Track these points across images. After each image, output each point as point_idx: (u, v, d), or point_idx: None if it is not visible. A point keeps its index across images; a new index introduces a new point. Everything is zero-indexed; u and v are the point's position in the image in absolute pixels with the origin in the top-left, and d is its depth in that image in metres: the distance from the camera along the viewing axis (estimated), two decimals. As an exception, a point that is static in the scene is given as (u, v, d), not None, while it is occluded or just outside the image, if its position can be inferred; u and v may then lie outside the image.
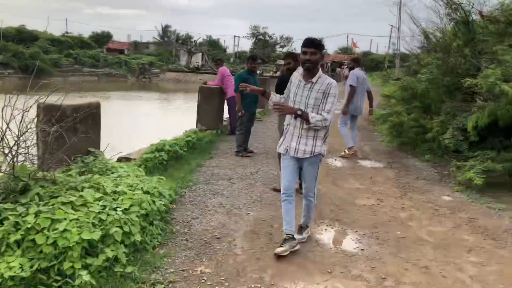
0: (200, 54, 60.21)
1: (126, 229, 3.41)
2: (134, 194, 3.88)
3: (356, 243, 3.85)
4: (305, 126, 3.41)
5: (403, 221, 4.42)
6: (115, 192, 3.88)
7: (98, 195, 3.68)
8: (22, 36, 51.34)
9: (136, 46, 67.91)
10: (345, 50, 74.00)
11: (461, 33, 7.76)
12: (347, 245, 3.80)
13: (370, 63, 68.78)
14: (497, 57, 6.70)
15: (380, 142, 9.15)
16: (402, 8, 37.59)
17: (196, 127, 9.09)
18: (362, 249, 3.70)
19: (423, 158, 7.37)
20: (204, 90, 8.99)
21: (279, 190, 6.26)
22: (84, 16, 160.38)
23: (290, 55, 5.46)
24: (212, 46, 69.61)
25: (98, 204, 3.53)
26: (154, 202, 4.06)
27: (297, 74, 3.60)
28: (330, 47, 79.84)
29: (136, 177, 4.56)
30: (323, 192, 5.39)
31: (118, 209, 3.54)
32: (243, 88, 3.76)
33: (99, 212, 3.40)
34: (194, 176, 5.96)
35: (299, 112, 3.34)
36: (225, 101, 9.32)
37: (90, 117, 4.92)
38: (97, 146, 5.17)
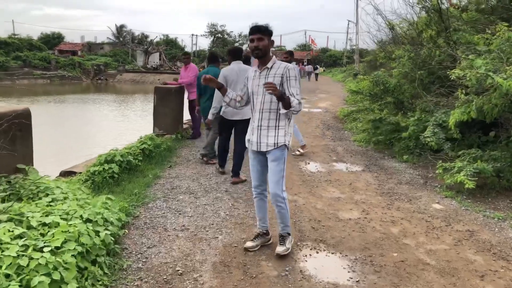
0: (158, 53, 58.56)
1: (56, 276, 2.57)
2: (70, 225, 3.04)
3: (348, 271, 3.18)
4: (282, 110, 3.10)
5: (397, 239, 3.80)
6: (43, 224, 3.02)
7: (18, 230, 2.81)
8: (-38, 38, 48.20)
9: (90, 47, 65.22)
10: (303, 47, 74.39)
11: (434, 22, 7.33)
12: (338, 275, 3.12)
13: (328, 59, 69.71)
14: (477, 47, 6.29)
15: (352, 141, 8.61)
16: (359, 3, 37.95)
17: (153, 132, 8.22)
18: (357, 281, 3.04)
19: (401, 159, 6.87)
20: (160, 90, 8.11)
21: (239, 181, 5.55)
22: (31, 17, 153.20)
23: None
24: (170, 45, 67.94)
25: (17, 244, 2.67)
26: (97, 233, 3.22)
27: (252, 69, 3.45)
28: (289, 45, 79.99)
29: (76, 200, 3.70)
30: (301, 204, 4.72)
31: (46, 248, 2.70)
32: (203, 80, 3.30)
33: (17, 256, 2.56)
34: (151, 190, 5.13)
35: (284, 96, 3.02)
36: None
37: (17, 127, 4.00)
38: (29, 162, 4.25)
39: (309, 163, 6.71)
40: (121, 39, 65.48)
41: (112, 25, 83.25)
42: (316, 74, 43.04)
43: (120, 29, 67.43)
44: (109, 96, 32.76)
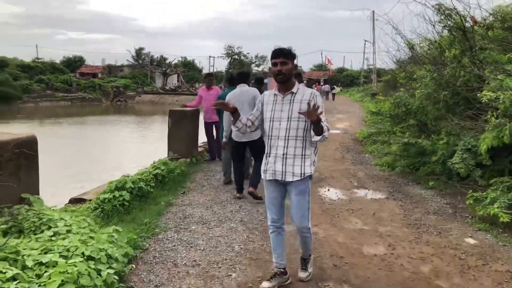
0: (176, 75, 59.32)
1: (50, 326, 2.31)
2: (69, 264, 2.79)
3: (376, 319, 2.83)
4: (315, 137, 2.94)
5: (428, 280, 3.43)
6: (40, 263, 2.78)
7: (11, 271, 2.57)
8: (-10, 63, 49.78)
9: (110, 69, 66.65)
10: (320, 67, 74.41)
11: (457, 41, 7.01)
12: (365, 324, 2.78)
13: (345, 79, 69.50)
14: (505, 67, 5.95)
15: (374, 165, 8.24)
16: (375, 23, 37.83)
17: (168, 156, 8.02)
18: (387, 331, 2.69)
19: (427, 185, 6.47)
20: (175, 113, 7.94)
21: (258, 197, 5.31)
22: (56, 42, 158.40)
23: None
24: (188, 67, 68.86)
25: (10, 287, 2.43)
26: (99, 271, 2.97)
27: (268, 93, 3.25)
28: (305, 65, 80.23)
29: (78, 233, 3.45)
30: (321, 237, 4.39)
31: (41, 293, 2.45)
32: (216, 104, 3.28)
33: (8, 303, 2.31)
34: (162, 220, 4.87)
35: (321, 121, 2.85)
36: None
37: (23, 156, 3.83)
38: (34, 191, 4.05)
39: (329, 190, 6.37)
40: (140, 61, 66.77)
41: (132, 48, 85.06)
42: (333, 94, 42.72)
43: (139, 51, 68.80)
44: (127, 118, 33.10)
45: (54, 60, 60.61)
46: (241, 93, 5.56)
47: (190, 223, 4.76)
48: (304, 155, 3.05)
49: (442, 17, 7.07)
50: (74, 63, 67.96)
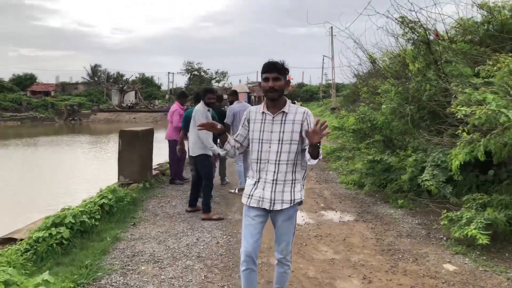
0: (133, 92, 57.82)
1: None
2: None
3: None
4: (311, 161, 2.64)
5: (413, 320, 3.01)
6: None
7: None
8: None
9: (64, 87, 64.21)
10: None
11: (422, 54, 6.84)
12: None
13: (304, 94, 70.50)
14: (470, 80, 5.78)
15: (339, 183, 7.91)
16: (334, 38, 38.54)
17: (118, 180, 7.33)
18: None
19: (396, 204, 6.18)
20: (125, 134, 7.29)
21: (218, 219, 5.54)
22: (8, 59, 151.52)
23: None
24: (146, 84, 67.45)
25: None
26: None
27: (255, 110, 2.88)
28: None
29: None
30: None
31: None
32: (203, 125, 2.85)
33: None
34: (107, 259, 4.23)
35: (319, 145, 2.58)
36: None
37: None
38: None
39: (294, 213, 5.93)
40: (95, 78, 64.83)
41: (87, 64, 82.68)
42: (294, 109, 42.92)
43: (94, 68, 66.95)
44: (81, 137, 31.55)
45: (2, 78, 57.63)
46: (197, 110, 5.68)
47: (139, 263, 4.14)
48: (295, 180, 2.79)
49: (406, 30, 6.90)
50: (24, 81, 65.01)
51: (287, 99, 2.82)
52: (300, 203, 2.84)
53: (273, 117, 2.76)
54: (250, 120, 2.87)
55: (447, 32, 7.30)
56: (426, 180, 5.50)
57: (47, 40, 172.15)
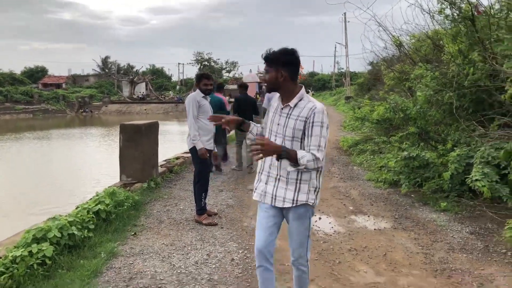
0: (144, 83, 57.29)
1: None
2: None
3: None
4: (289, 168, 2.46)
5: None
6: None
7: None
8: None
9: (75, 79, 64.06)
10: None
11: (464, 33, 5.91)
12: None
13: (317, 83, 69.18)
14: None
15: (366, 181, 7.04)
16: (348, 25, 37.30)
17: (120, 180, 6.59)
18: None
19: (438, 207, 5.31)
20: (126, 128, 6.51)
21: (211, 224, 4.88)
22: (20, 52, 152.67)
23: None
24: (156, 75, 66.89)
25: None
26: None
27: (278, 96, 2.68)
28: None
29: None
30: (323, 303, 3.10)
31: None
32: (213, 120, 2.81)
33: None
34: (98, 283, 3.47)
35: (283, 154, 2.36)
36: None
37: None
38: None
39: (320, 218, 5.11)
40: (106, 70, 64.46)
41: (97, 57, 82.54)
42: (308, 98, 41.61)
43: (105, 60, 66.54)
44: (93, 130, 31.10)
45: (14, 71, 57.57)
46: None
47: (137, 288, 3.38)
48: (300, 179, 2.51)
49: (443, 5, 5.95)
50: (36, 74, 64.99)
51: (301, 89, 2.53)
52: (308, 205, 2.53)
53: (282, 109, 2.57)
54: (271, 107, 2.70)
55: (491, 7, 6.33)
56: (476, 180, 4.62)
57: (59, 33, 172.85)
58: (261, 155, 2.27)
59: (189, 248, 4.21)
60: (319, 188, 2.57)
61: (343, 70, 60.55)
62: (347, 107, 26.73)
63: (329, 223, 4.94)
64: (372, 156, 8.42)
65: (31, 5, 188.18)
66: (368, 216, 5.16)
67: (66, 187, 10.64)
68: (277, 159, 2.40)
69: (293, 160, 2.36)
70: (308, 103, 2.49)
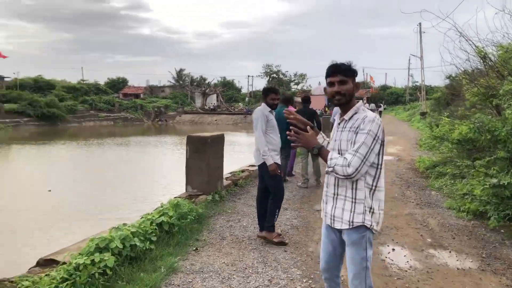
0: (215, 95, 59.01)
1: None
2: None
3: None
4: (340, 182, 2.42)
5: None
6: None
7: None
8: (39, 85, 52.23)
9: (152, 90, 67.64)
10: (362, 85, 71.98)
11: None
12: None
13: (389, 97, 66.62)
14: None
15: (447, 209, 6.38)
16: (422, 36, 35.45)
17: (186, 191, 6.58)
18: None
19: (534, 245, 4.61)
20: (193, 140, 6.50)
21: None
22: (104, 65, 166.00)
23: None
24: (227, 87, 68.62)
25: None
26: None
27: (339, 111, 2.61)
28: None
29: None
30: None
31: None
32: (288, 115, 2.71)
33: None
34: (155, 301, 3.35)
35: (315, 151, 2.42)
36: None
37: None
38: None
39: (394, 250, 4.63)
40: (180, 82, 67.33)
41: (173, 69, 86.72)
42: (380, 112, 40.17)
43: (179, 72, 69.51)
44: (168, 138, 32.39)
45: (98, 82, 62.13)
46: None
47: (193, 311, 3.20)
48: (355, 198, 2.39)
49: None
50: (117, 84, 69.58)
51: (358, 102, 2.50)
52: (365, 228, 2.36)
53: (339, 124, 2.55)
54: (335, 122, 2.64)
55: None
56: None
57: (139, 47, 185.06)
58: (297, 143, 2.43)
59: (250, 271, 3.98)
60: (373, 208, 2.37)
61: (417, 84, 57.81)
62: (423, 123, 25.25)
63: (404, 256, 4.46)
64: (452, 181, 7.67)
65: (114, 21, 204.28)
66: (450, 252, 4.59)
67: (139, 193, 10.97)
68: (312, 154, 2.36)
69: (325, 159, 2.40)
70: (363, 114, 2.44)
